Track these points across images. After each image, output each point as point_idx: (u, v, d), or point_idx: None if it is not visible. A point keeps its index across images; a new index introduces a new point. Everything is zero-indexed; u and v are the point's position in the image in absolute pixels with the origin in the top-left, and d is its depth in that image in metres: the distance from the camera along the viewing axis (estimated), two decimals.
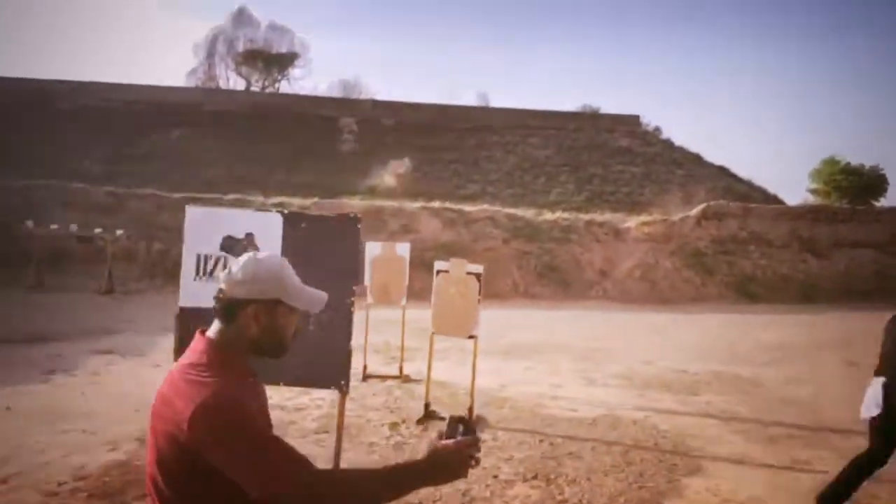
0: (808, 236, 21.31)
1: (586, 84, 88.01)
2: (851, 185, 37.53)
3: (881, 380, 4.55)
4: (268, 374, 4.46)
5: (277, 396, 6.61)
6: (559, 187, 35.40)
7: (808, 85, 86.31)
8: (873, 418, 4.53)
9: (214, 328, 1.70)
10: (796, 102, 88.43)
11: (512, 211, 22.28)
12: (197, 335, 1.71)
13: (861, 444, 6.43)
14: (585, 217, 21.49)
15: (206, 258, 4.34)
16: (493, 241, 20.53)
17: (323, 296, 1.77)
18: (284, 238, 4.42)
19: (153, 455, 1.61)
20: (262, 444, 1.52)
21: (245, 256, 1.72)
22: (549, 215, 22.24)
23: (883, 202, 36.34)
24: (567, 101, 73.60)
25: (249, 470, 1.49)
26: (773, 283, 19.72)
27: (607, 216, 22.09)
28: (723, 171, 41.25)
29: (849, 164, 39.80)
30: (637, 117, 43.69)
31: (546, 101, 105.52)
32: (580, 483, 5.12)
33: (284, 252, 4.40)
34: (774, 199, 35.67)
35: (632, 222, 21.20)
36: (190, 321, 4.36)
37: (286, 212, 4.53)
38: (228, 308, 1.67)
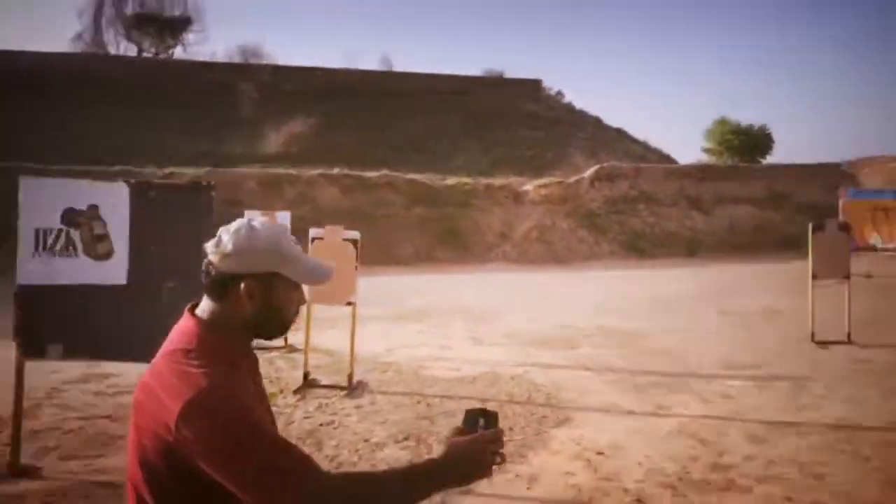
0: (695, 194, 22.39)
1: (490, 48, 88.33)
2: (742, 143, 39.64)
3: None
4: (111, 349, 4.42)
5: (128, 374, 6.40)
6: (464, 152, 35.54)
7: (696, 49, 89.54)
8: None
9: (204, 307, 1.49)
10: (688, 65, 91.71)
11: (412, 176, 22.30)
12: (185, 314, 1.50)
13: (721, 388, 6.93)
14: (485, 181, 21.79)
15: (46, 232, 4.16)
16: (394, 207, 20.54)
17: (329, 266, 1.57)
18: (132, 209, 4.28)
19: (135, 456, 1.40)
20: (265, 447, 1.32)
21: (237, 223, 1.49)
22: (450, 180, 22.39)
23: (769, 159, 38.55)
24: (471, 66, 73.78)
25: (250, 478, 1.29)
26: (661, 240, 20.69)
27: (508, 180, 22.44)
28: (621, 134, 42.49)
29: (739, 124, 41.94)
30: (539, 82, 44.24)
31: (450, 65, 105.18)
32: None
33: (133, 223, 4.28)
34: (668, 160, 37.12)
35: (530, 185, 21.66)
36: (32, 300, 4.20)
37: (133, 181, 4.39)
38: (218, 284, 1.46)
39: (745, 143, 39.43)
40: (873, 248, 15.48)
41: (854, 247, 15.62)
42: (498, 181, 21.99)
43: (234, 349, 1.48)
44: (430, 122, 38.09)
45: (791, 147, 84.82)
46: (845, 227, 9.05)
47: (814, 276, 9.06)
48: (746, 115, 64.41)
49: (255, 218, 1.54)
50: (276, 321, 1.52)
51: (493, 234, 20.04)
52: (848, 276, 9.10)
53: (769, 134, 40.55)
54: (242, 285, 1.44)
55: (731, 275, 16.39)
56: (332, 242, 6.60)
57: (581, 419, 5.89)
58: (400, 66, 45.70)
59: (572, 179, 22.13)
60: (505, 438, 1.52)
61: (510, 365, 7.76)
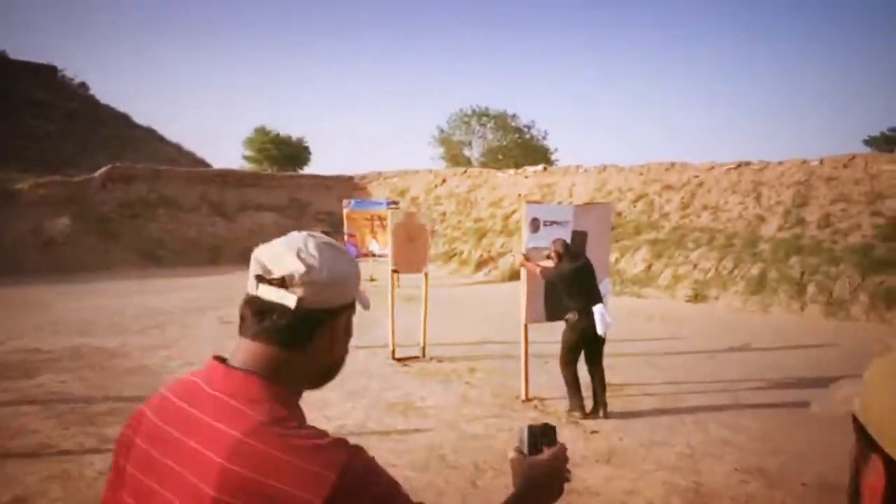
0: (218, 200, 22.10)
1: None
2: (281, 153, 41.16)
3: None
4: None
5: None
6: None
7: (241, 60, 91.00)
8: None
9: (259, 354, 1.07)
10: (233, 76, 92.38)
11: None
12: (227, 372, 1.06)
13: None
14: None
15: None
16: None
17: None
18: None
19: None
20: None
21: (313, 240, 1.11)
22: None
23: (307, 169, 40.72)
24: None
25: None
26: (182, 247, 19.85)
27: None
28: (151, 134, 40.12)
29: (278, 134, 43.53)
30: (54, 68, 39.10)
31: None
32: None
33: None
34: (203, 164, 36.26)
35: (25, 183, 18.60)
36: None
37: None
38: (305, 324, 1.07)
39: (284, 153, 41.19)
40: (373, 254, 17.12)
41: (356, 254, 17.07)
42: None
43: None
44: None
45: (327, 160, 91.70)
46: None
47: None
48: (286, 128, 67.76)
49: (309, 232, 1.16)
50: (340, 366, 1.18)
51: None
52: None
53: (307, 146, 43.22)
54: (340, 321, 1.13)
55: (240, 282, 16.37)
56: None
57: None
58: None
59: (79, 179, 19.73)
60: None
61: None
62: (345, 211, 16.60)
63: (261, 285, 1.08)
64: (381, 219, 16.70)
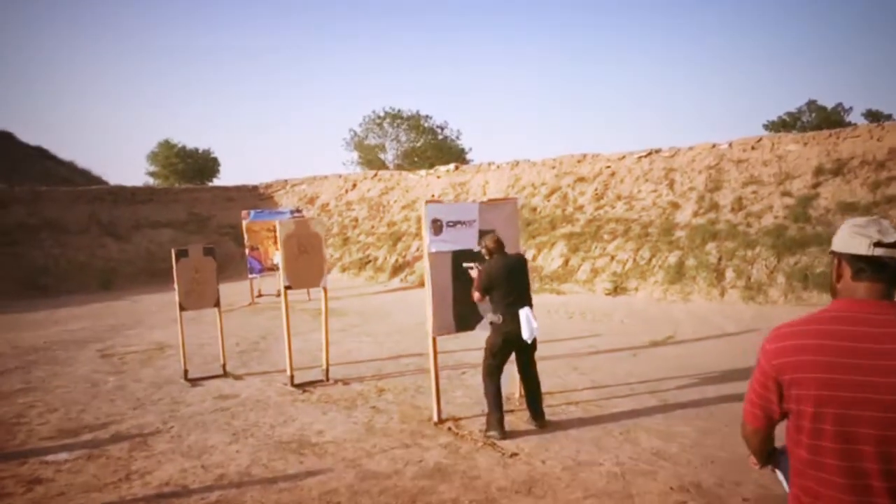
0: (108, 220, 20.46)
1: None
2: (188, 167, 39.05)
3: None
4: None
5: None
6: None
7: (141, 73, 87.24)
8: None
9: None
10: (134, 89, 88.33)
11: None
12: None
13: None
14: None
15: None
16: None
17: None
18: None
19: None
20: None
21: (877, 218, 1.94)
22: None
23: (217, 182, 38.85)
24: None
25: None
26: (69, 273, 18.19)
27: None
28: (42, 153, 37.52)
29: (184, 147, 41.25)
30: None
31: None
32: None
33: None
34: (99, 182, 34.09)
35: None
36: None
37: None
38: None
39: (191, 166, 39.07)
40: (278, 268, 16.01)
41: (259, 268, 15.92)
42: None
43: None
44: None
45: (236, 172, 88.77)
46: (210, 252, 8.47)
47: (181, 308, 8.27)
48: (192, 141, 65.15)
49: None
50: None
51: None
52: (217, 305, 8.55)
53: (215, 158, 41.22)
54: None
55: (146, 304, 15.07)
56: None
57: None
58: None
59: None
60: None
61: None
62: (244, 223, 15.47)
63: (877, 248, 1.85)
64: None
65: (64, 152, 39.92)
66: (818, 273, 11.52)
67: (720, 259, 12.85)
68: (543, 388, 6.61)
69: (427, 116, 44.00)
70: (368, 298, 15.56)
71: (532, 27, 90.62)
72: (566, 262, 14.99)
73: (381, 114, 43.22)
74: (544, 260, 15.25)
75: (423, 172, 22.08)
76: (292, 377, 7.76)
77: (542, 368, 7.40)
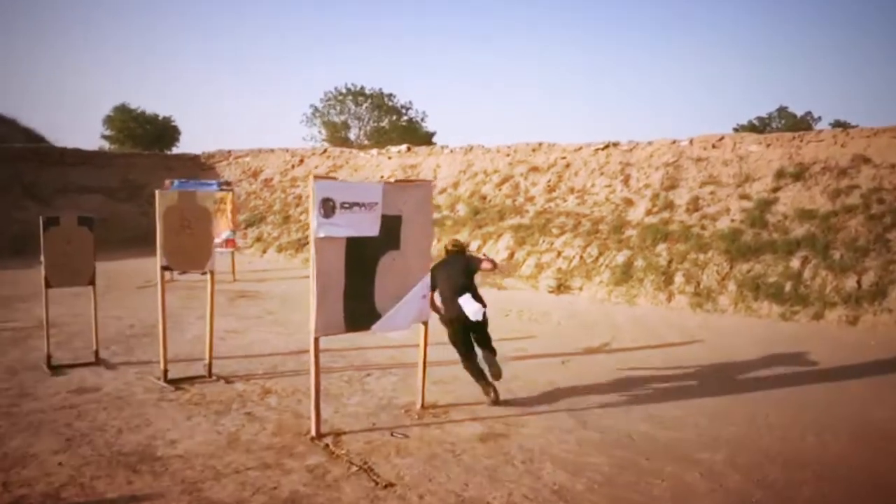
0: (32, 180, 19.00)
1: None
2: (146, 133, 37.47)
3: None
4: None
5: None
6: None
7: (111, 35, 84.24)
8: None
9: None
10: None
11: None
12: None
13: None
14: None
15: None
16: None
17: None
18: None
19: None
20: None
21: None
22: None
23: (176, 149, 37.02)
24: None
25: None
26: None
27: None
28: None
29: (143, 112, 39.68)
30: None
31: None
32: None
33: None
34: (40, 142, 32.31)
35: None
36: None
37: None
38: None
39: (150, 132, 37.50)
40: None
41: None
42: None
43: None
44: None
45: (194, 142, 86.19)
46: (87, 222, 7.38)
47: (47, 284, 7.18)
48: (151, 105, 62.92)
49: None
50: None
51: None
52: (92, 283, 7.48)
53: (175, 126, 39.74)
54: None
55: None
56: None
57: None
58: None
59: None
60: None
61: None
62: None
63: None
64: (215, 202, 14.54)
65: (11, 112, 37.78)
66: (771, 283, 10.81)
67: (670, 262, 12.08)
68: (451, 400, 5.82)
69: (391, 95, 42.80)
70: (298, 283, 14.49)
71: (507, 9, 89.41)
72: (511, 255, 14.12)
73: (344, 90, 41.92)
74: (489, 252, 14.36)
75: (374, 152, 21.03)
76: (165, 371, 6.76)
77: (457, 373, 6.55)
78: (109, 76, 79.14)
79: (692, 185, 13.82)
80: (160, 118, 39.29)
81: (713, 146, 14.34)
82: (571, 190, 15.38)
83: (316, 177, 5.38)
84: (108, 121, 39.00)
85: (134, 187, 20.78)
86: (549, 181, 15.95)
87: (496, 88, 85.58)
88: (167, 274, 7.01)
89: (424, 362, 6.13)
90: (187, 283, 11.68)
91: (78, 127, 74.20)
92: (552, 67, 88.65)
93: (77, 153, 20.90)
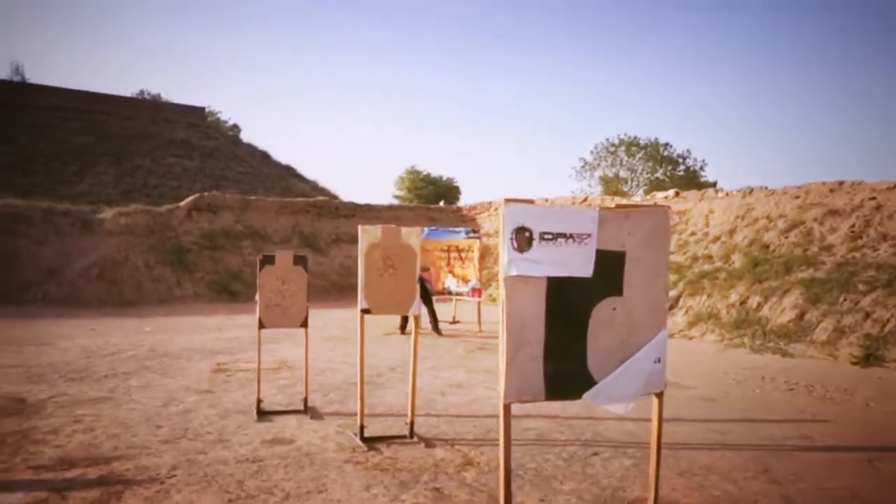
0: (310, 231, 20.56)
1: (148, 68, 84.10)
2: (430, 192, 42.40)
3: None
4: None
5: None
6: (92, 177, 30.73)
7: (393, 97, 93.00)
8: None
9: None
10: (386, 113, 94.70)
11: None
12: None
13: None
14: (45, 205, 17.63)
15: None
16: None
17: None
18: None
19: None
20: None
21: None
22: None
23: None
24: (126, 86, 67.29)
25: None
26: None
27: (76, 206, 18.54)
28: (289, 171, 40.60)
29: (428, 174, 45.96)
30: (202, 109, 40.85)
31: (99, 83, 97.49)
32: None
33: None
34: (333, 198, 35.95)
35: (109, 213, 18.04)
36: None
37: None
38: None
39: (434, 192, 42.34)
40: (449, 292, 14.53)
41: (432, 291, 14.51)
42: (63, 206, 17.99)
43: None
44: (58, 142, 32.49)
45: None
46: (301, 261, 7.07)
47: (260, 325, 6.97)
48: (435, 168, 70.49)
49: None
50: None
51: (36, 270, 16.04)
52: (305, 325, 7.13)
53: (457, 186, 45.30)
54: None
55: (314, 319, 14.40)
56: None
57: None
58: (35, 78, 39.46)
59: (164, 208, 18.99)
60: None
61: None
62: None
63: None
64: (458, 250, 14.21)
65: (310, 173, 43.65)
66: None
67: None
68: (699, 498, 4.20)
69: (667, 144, 40.58)
70: None
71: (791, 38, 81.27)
72: (801, 315, 11.57)
73: (616, 141, 40.67)
74: (771, 311, 11.96)
75: (637, 197, 19.38)
76: (362, 427, 6.01)
77: (715, 462, 4.86)
78: (400, 144, 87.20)
79: None
80: (444, 178, 44.89)
81: None
82: (884, 237, 12.34)
83: (507, 200, 4.26)
84: (400, 181, 45.56)
85: None
86: (853, 226, 13.02)
87: (782, 123, 77.88)
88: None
89: (658, 445, 4.55)
90: (428, 330, 11.27)
91: (371, 185, 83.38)
92: (852, 93, 78.21)
93: (349, 206, 22.39)
